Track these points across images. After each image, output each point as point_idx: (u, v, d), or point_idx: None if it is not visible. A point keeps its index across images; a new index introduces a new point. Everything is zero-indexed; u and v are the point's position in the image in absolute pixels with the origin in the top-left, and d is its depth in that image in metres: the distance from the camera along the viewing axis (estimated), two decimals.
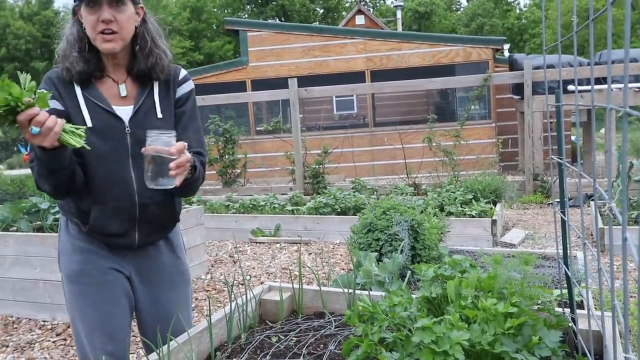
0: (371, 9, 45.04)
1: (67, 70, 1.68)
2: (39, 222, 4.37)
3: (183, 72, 1.87)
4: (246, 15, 41.01)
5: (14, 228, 4.29)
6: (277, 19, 39.99)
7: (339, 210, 6.05)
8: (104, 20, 1.61)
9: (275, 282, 3.12)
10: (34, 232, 4.19)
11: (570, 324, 1.45)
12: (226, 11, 41.29)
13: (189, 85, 1.86)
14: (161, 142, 1.51)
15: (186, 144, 1.56)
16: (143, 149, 1.54)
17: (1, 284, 3.84)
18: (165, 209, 1.81)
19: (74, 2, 1.66)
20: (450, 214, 5.52)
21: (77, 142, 1.48)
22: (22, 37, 34.96)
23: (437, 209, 5.40)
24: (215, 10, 41.75)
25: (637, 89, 7.96)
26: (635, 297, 3.22)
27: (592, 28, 1.08)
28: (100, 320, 1.75)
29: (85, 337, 1.77)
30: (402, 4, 29.99)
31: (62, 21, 1.79)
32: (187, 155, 1.55)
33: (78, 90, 1.69)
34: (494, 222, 5.21)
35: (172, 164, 1.49)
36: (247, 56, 12.20)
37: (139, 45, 1.73)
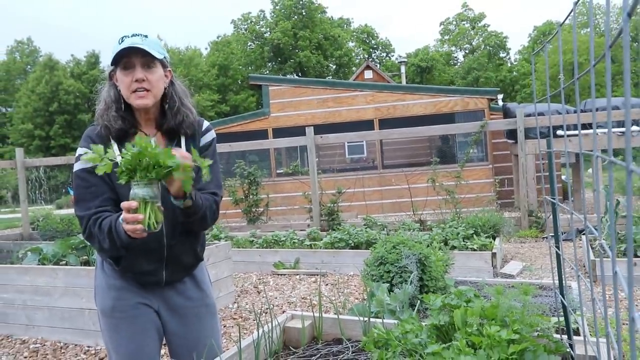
0: (378, 65, 45.77)
1: (105, 127, 1.71)
2: (86, 257, 4.41)
3: (206, 124, 1.90)
4: (268, 71, 41.89)
5: (64, 262, 4.34)
6: (295, 74, 40.81)
7: (352, 244, 6.02)
8: (137, 80, 1.66)
9: (296, 310, 3.10)
10: (81, 265, 4.23)
11: (568, 350, 1.43)
12: (250, 68, 42.23)
13: (210, 135, 1.89)
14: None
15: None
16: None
17: (52, 312, 3.86)
18: (189, 250, 1.82)
19: (111, 66, 1.70)
20: (453, 247, 5.47)
21: (154, 225, 1.51)
22: (71, 93, 36.01)
23: (442, 243, 5.36)
24: (241, 67, 42.76)
25: (619, 134, 7.95)
26: (627, 324, 3.14)
27: (577, 86, 1.11)
28: (131, 351, 1.76)
29: None
30: (405, 59, 30.47)
31: (101, 80, 1.84)
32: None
33: (114, 144, 1.72)
34: (494, 254, 5.14)
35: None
36: (268, 107, 12.41)
37: (168, 104, 1.77)
